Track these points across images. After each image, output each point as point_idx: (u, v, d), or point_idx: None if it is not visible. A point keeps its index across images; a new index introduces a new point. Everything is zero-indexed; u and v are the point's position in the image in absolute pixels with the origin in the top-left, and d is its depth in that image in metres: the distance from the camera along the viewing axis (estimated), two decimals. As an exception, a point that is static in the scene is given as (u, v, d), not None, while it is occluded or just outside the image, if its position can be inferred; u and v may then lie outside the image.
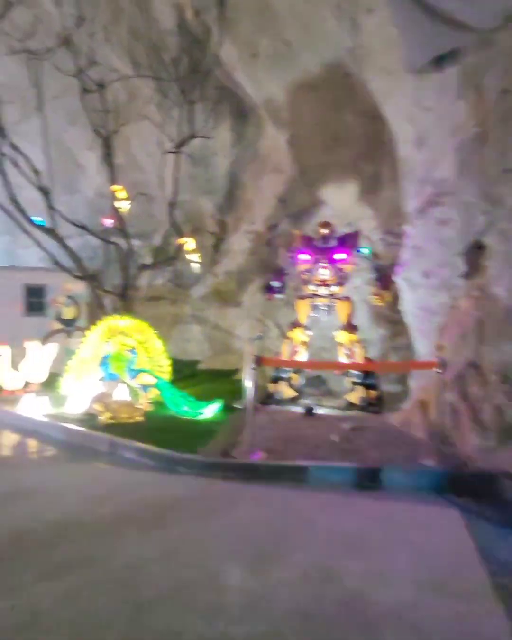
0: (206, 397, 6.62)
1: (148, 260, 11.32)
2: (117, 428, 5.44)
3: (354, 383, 6.48)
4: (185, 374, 8.81)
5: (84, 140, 10.38)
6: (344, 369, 6.74)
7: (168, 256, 9.07)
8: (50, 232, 7.64)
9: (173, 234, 11.14)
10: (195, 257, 8.22)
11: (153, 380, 6.32)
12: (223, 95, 8.02)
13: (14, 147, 7.18)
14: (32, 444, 5.47)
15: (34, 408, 6.16)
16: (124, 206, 7.71)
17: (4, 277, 9.00)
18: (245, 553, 2.90)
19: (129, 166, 10.69)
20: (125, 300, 7.68)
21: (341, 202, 8.19)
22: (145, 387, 6.39)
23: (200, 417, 5.91)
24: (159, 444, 4.80)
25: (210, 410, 5.99)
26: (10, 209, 7.24)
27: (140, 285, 11.43)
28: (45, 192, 7.54)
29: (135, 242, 11.17)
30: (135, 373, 6.35)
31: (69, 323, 9.03)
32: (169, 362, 7.17)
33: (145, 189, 10.05)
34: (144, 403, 6.32)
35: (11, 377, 6.74)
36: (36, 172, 7.45)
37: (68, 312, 9.01)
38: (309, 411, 6.02)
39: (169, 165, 8.44)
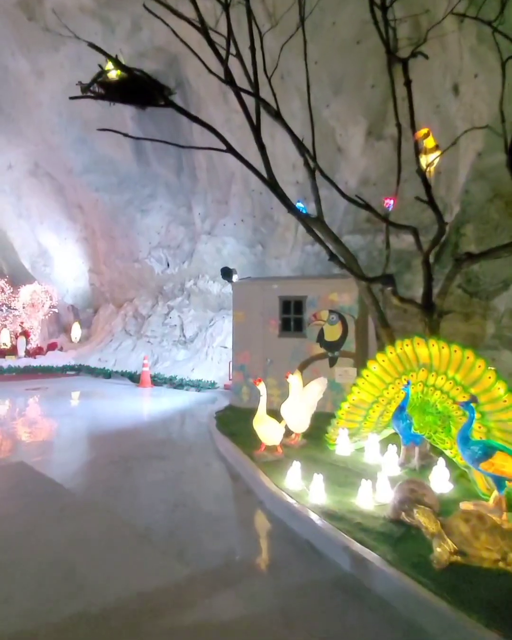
0: None
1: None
2: (483, 587, 2.42)
3: None
4: None
5: (349, 112, 8.06)
6: None
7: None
8: (317, 222, 5.30)
9: (470, 220, 7.76)
10: None
11: (520, 471, 3.12)
12: None
13: (283, 123, 5.04)
14: (304, 584, 2.86)
15: (303, 487, 3.72)
16: (433, 161, 4.82)
17: (257, 290, 7.21)
18: None
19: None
20: (431, 315, 4.73)
21: None
22: (500, 481, 3.23)
23: None
24: None
25: None
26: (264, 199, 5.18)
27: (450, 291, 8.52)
28: (311, 168, 5.27)
29: (408, 238, 8.27)
30: (482, 451, 3.27)
31: (332, 346, 6.61)
32: (525, 426, 3.83)
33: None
34: (503, 514, 3.15)
35: (270, 428, 4.53)
36: (301, 143, 5.24)
37: (332, 332, 6.60)
38: None
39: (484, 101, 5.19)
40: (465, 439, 3.43)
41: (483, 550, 2.61)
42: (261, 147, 4.90)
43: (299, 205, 5.57)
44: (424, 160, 4.82)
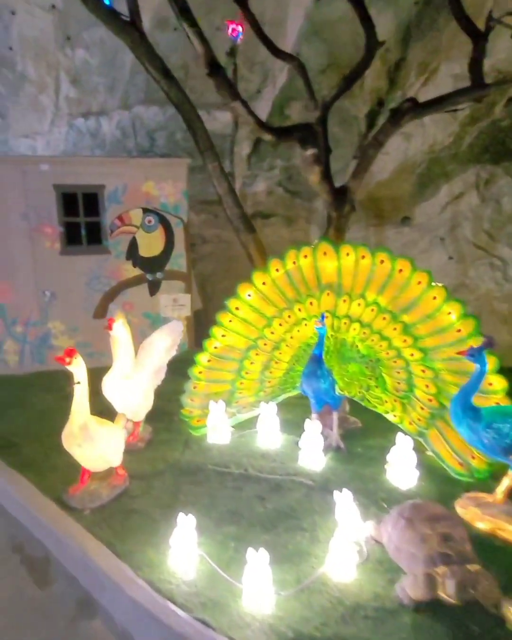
0: None
1: (247, 149, 6.36)
2: None
3: None
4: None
5: None
6: None
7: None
8: (132, 27, 2.60)
9: (296, 97, 6.02)
10: None
11: None
12: None
13: None
14: None
15: (207, 563, 1.72)
16: None
17: (13, 175, 4.00)
18: None
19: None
20: (341, 208, 2.92)
21: None
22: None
23: None
24: None
25: None
26: None
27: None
28: None
29: (222, 117, 6.14)
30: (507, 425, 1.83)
31: (152, 264, 4.29)
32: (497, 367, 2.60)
33: None
34: None
35: (104, 442, 2.12)
36: None
37: (150, 244, 4.23)
38: None
39: None
40: (471, 411, 1.95)
41: None
42: None
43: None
44: None
